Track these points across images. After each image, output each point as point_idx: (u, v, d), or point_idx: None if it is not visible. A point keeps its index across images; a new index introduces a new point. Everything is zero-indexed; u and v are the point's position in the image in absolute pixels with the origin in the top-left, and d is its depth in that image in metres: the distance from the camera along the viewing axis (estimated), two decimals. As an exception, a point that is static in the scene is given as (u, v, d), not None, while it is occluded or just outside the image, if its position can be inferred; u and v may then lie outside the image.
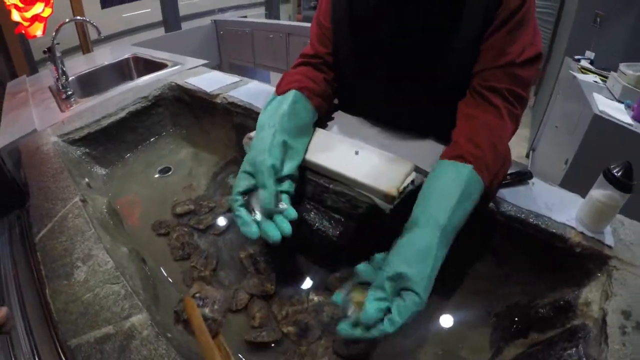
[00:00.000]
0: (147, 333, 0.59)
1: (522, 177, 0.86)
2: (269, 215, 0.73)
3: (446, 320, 0.79)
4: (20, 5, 1.99)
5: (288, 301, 0.82)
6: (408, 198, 0.75)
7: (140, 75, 1.99)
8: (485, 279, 0.82)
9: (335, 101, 1.16)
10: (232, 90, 1.31)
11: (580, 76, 2.68)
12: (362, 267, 0.68)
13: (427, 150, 0.93)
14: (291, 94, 0.89)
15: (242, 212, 0.73)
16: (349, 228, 0.83)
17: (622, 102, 2.21)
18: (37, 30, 2.04)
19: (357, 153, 0.86)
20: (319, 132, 0.94)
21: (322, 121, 1.03)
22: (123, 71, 2.09)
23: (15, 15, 2.02)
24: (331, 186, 0.82)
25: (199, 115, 1.40)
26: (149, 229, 1.01)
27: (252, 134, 0.91)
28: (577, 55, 3.11)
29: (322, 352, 0.73)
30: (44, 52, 1.72)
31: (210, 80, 1.42)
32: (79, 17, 1.99)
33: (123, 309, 0.63)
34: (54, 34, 1.67)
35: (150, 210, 1.08)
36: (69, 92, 1.60)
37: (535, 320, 0.72)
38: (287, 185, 0.78)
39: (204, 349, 0.67)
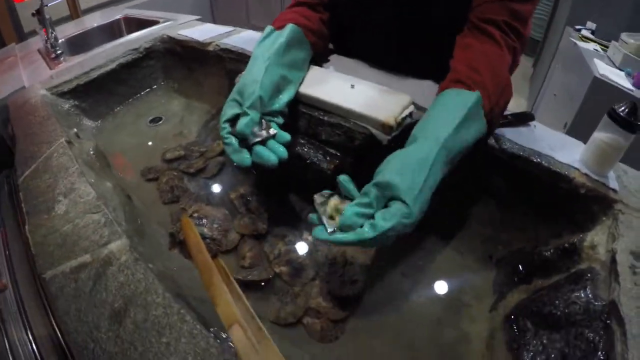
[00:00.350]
0: (125, 258, 0.56)
1: (524, 117, 0.81)
2: (255, 142, 0.69)
3: (447, 264, 0.76)
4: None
5: (281, 240, 0.80)
6: (405, 132, 0.72)
7: (130, 34, 1.94)
8: (486, 223, 0.79)
9: (330, 46, 1.12)
10: (225, 39, 1.26)
11: (581, 44, 2.68)
12: (343, 177, 0.63)
13: (426, 89, 0.89)
14: (287, 29, 0.85)
15: (232, 139, 0.70)
16: (344, 162, 0.80)
17: (623, 70, 2.23)
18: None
19: (353, 86, 0.82)
20: (314, 68, 0.91)
21: (316, 62, 0.98)
22: (114, 32, 2.03)
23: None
24: (326, 118, 0.79)
25: (192, 66, 1.35)
26: (137, 175, 0.98)
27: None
28: (578, 26, 3.07)
29: (316, 292, 0.71)
30: (33, 14, 1.68)
31: (202, 31, 1.37)
32: None
33: (102, 237, 0.60)
34: (41, -6, 1.62)
35: (140, 158, 1.05)
36: (59, 51, 1.56)
37: (538, 265, 0.69)
38: (276, 120, 0.75)
39: (201, 269, 0.63)
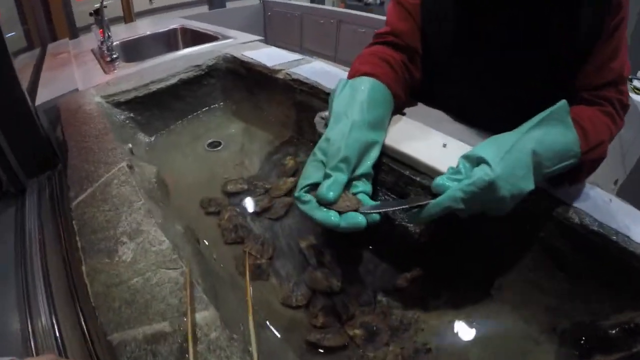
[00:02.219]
0: (216, 335, 0.46)
1: None
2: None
3: (513, 333, 0.69)
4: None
5: (355, 300, 0.71)
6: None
7: (187, 46, 1.88)
8: (552, 295, 0.72)
9: None
10: (295, 67, 1.18)
11: (635, 96, 2.53)
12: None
13: None
14: (368, 81, 0.76)
15: (309, 196, 0.62)
16: (431, 225, 0.74)
17: None
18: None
19: (445, 146, 0.75)
20: (399, 118, 0.83)
21: (398, 112, 0.89)
22: (169, 41, 1.99)
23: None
24: (418, 179, 0.72)
25: (254, 90, 1.27)
26: (197, 206, 0.89)
27: (324, 113, 0.82)
28: (631, 75, 2.95)
29: (391, 359, 0.63)
30: (91, 14, 1.64)
31: (269, 55, 1.29)
32: None
33: (183, 302, 0.49)
34: (103, -4, 1.58)
35: (198, 185, 0.97)
36: (114, 56, 1.51)
37: (600, 340, 0.63)
38: (362, 186, 0.66)
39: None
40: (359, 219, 0.59)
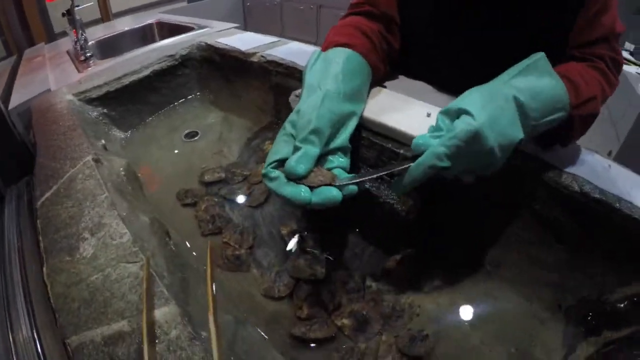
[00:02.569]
0: (177, 334, 0.43)
1: None
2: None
3: (516, 313, 0.67)
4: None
5: (341, 288, 0.68)
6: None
7: (162, 39, 1.85)
8: (553, 269, 0.69)
9: None
10: (270, 50, 1.14)
11: (625, 67, 2.57)
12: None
13: None
14: (343, 52, 0.71)
15: (277, 172, 0.56)
16: (417, 201, 0.70)
17: None
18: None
19: (429, 115, 0.70)
20: (379, 90, 0.78)
21: (379, 82, 0.84)
22: (146, 36, 1.94)
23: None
24: (402, 151, 0.67)
25: (230, 77, 1.24)
26: (172, 198, 0.86)
27: (299, 91, 0.78)
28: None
29: (384, 350, 0.60)
30: (63, 14, 1.60)
31: (244, 40, 1.25)
32: None
33: (142, 298, 0.46)
34: (73, -5, 1.54)
35: (175, 177, 0.94)
36: (88, 54, 1.47)
37: (608, 316, 0.61)
38: (337, 160, 0.61)
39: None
40: (333, 193, 0.53)
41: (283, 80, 1.04)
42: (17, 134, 1.09)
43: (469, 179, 0.58)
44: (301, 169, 0.54)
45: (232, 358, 0.49)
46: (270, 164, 0.57)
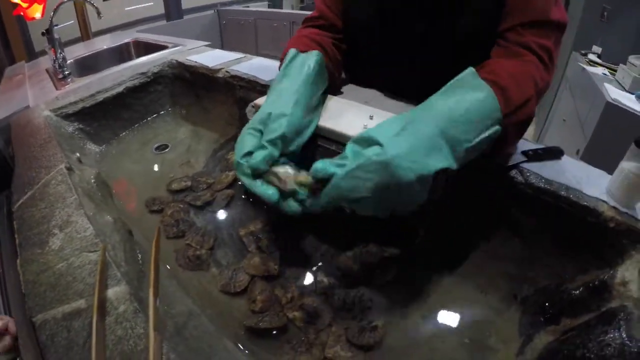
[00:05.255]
0: (124, 308, 0.50)
1: (555, 152, 0.75)
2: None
3: (470, 304, 0.70)
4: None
5: (294, 283, 0.74)
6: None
7: (139, 57, 1.92)
8: (509, 261, 0.73)
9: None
10: (235, 65, 1.23)
11: (590, 68, 2.71)
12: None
13: None
14: (313, 56, 0.78)
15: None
16: None
17: (633, 94, 2.22)
18: (36, 12, 1.98)
19: (371, 117, 0.76)
20: (330, 98, 0.85)
21: (332, 91, 0.91)
22: (123, 55, 2.02)
23: (14, -4, 1.96)
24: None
25: (200, 93, 1.32)
26: (141, 206, 0.93)
27: (258, 100, 0.82)
28: (583, 50, 3.14)
29: (333, 340, 0.64)
30: (43, 33, 1.66)
31: (212, 57, 1.34)
32: None
33: (96, 279, 0.54)
34: (52, 13, 1.61)
35: (145, 187, 1.00)
36: (66, 72, 1.54)
37: (566, 304, 0.64)
38: (286, 160, 0.67)
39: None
40: (294, 209, 0.61)
41: (246, 94, 1.12)
42: (-3, 150, 1.16)
43: (385, 214, 0.57)
44: (264, 167, 0.62)
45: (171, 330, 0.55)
46: (243, 156, 0.64)
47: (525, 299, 0.69)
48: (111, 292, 0.52)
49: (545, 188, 0.66)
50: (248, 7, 4.51)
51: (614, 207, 0.62)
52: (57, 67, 1.57)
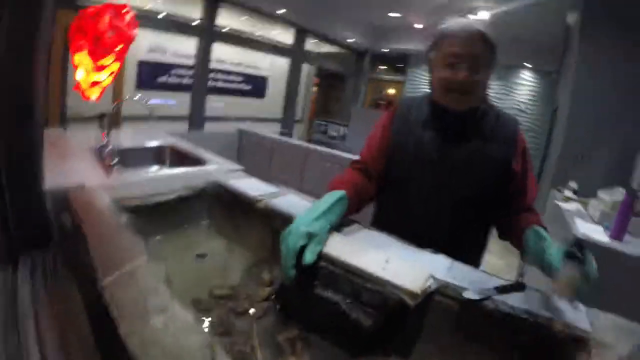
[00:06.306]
0: None
1: (518, 287, 1.03)
2: None
3: None
4: (90, 69, 2.17)
5: None
6: (425, 299, 0.97)
7: (173, 163, 2.15)
8: None
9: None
10: (274, 199, 1.46)
11: (564, 205, 3.13)
12: None
13: (439, 264, 1.12)
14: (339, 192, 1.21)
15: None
16: (379, 318, 0.96)
17: (601, 225, 2.58)
18: (94, 94, 2.20)
19: (387, 261, 1.04)
20: (356, 240, 1.16)
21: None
22: (159, 156, 2.24)
23: (80, 74, 2.19)
24: (369, 285, 0.99)
25: (236, 213, 1.52)
26: (188, 305, 1.05)
27: None
28: (561, 186, 3.70)
29: None
30: (99, 117, 1.87)
31: (251, 186, 1.57)
32: (136, 97, 2.17)
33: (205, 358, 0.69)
34: (114, 104, 1.85)
35: (189, 289, 1.13)
36: (115, 161, 1.73)
37: None
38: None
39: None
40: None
41: (281, 227, 1.32)
42: (48, 213, 1.30)
43: None
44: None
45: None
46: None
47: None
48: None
49: (509, 312, 0.93)
50: (265, 135, 4.95)
51: (563, 322, 0.89)
52: (105, 153, 1.77)
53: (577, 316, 0.93)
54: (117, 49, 2.25)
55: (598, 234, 2.45)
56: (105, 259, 0.95)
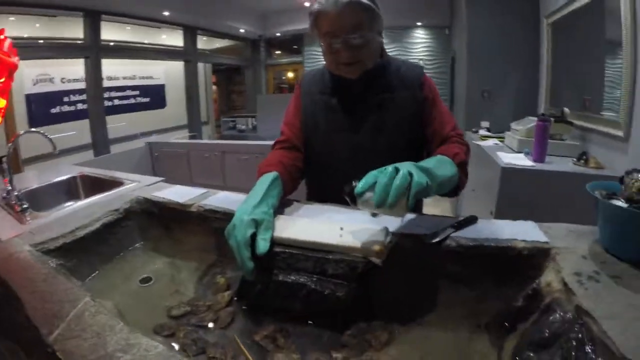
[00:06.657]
0: None
1: (470, 220, 1.10)
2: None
3: (448, 343, 0.93)
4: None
5: None
6: (391, 251, 0.98)
7: (88, 192, 2.01)
8: (464, 303, 1.00)
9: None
10: (204, 200, 1.41)
11: (483, 143, 3.40)
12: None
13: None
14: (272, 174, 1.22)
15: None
16: (351, 286, 0.97)
17: (521, 152, 2.86)
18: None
19: (342, 228, 1.05)
20: (301, 219, 1.15)
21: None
22: (70, 188, 2.08)
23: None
24: (331, 257, 0.98)
25: (169, 226, 1.45)
26: (151, 334, 0.99)
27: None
28: (475, 128, 4.08)
29: None
30: (-4, 161, 1.69)
31: (177, 193, 1.50)
32: (33, 129, 1.96)
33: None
34: (9, 144, 1.68)
35: (144, 318, 1.06)
36: (25, 206, 1.58)
37: (516, 315, 0.90)
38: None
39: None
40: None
41: (222, 225, 1.26)
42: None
43: None
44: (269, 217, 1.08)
45: None
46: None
47: (487, 325, 0.94)
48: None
49: (471, 245, 0.98)
50: (176, 142, 4.77)
51: (523, 240, 0.97)
52: (12, 199, 1.61)
53: (533, 232, 1.01)
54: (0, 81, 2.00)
55: (521, 160, 2.68)
56: (44, 314, 0.87)
